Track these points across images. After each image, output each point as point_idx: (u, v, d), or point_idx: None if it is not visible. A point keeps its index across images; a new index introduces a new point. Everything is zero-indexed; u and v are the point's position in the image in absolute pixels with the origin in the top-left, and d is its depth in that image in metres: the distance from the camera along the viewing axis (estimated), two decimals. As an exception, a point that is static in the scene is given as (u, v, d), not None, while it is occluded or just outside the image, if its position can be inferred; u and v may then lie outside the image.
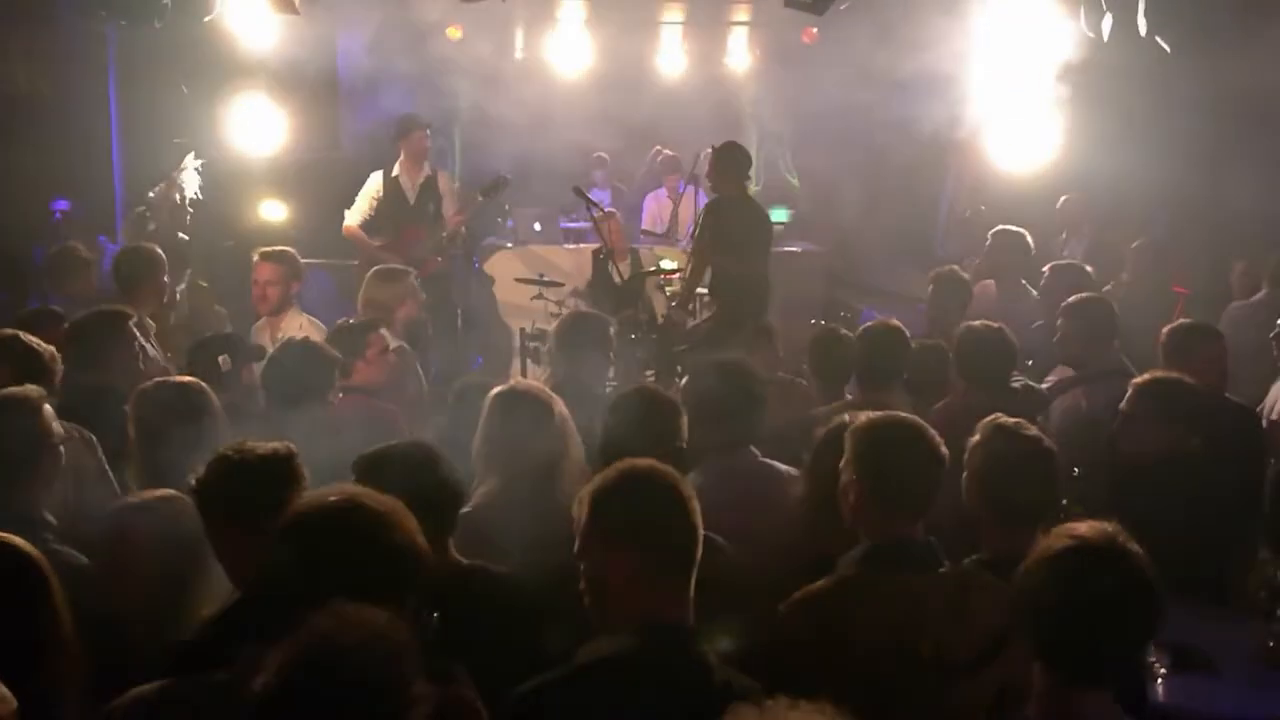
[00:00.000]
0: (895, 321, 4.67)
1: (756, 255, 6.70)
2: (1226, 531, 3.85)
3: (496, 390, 3.46)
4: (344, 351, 4.37)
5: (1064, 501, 3.21)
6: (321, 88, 8.42)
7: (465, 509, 3.02)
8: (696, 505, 2.32)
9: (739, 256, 6.58)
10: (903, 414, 2.89)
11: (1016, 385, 4.63)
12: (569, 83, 9.08)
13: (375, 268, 5.94)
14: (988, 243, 6.48)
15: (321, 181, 8.73)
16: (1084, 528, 2.18)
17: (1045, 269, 6.02)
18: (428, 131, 7.42)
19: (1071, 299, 5.07)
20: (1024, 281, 6.32)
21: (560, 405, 3.44)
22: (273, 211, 8.85)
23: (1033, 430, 3.08)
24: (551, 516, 2.92)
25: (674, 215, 8.74)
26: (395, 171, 7.38)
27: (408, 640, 1.75)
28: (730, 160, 6.74)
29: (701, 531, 2.32)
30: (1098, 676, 2.10)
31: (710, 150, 6.95)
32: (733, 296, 6.63)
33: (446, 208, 7.42)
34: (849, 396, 4.51)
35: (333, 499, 2.15)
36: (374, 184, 7.36)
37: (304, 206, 8.92)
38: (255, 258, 5.82)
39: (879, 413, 2.87)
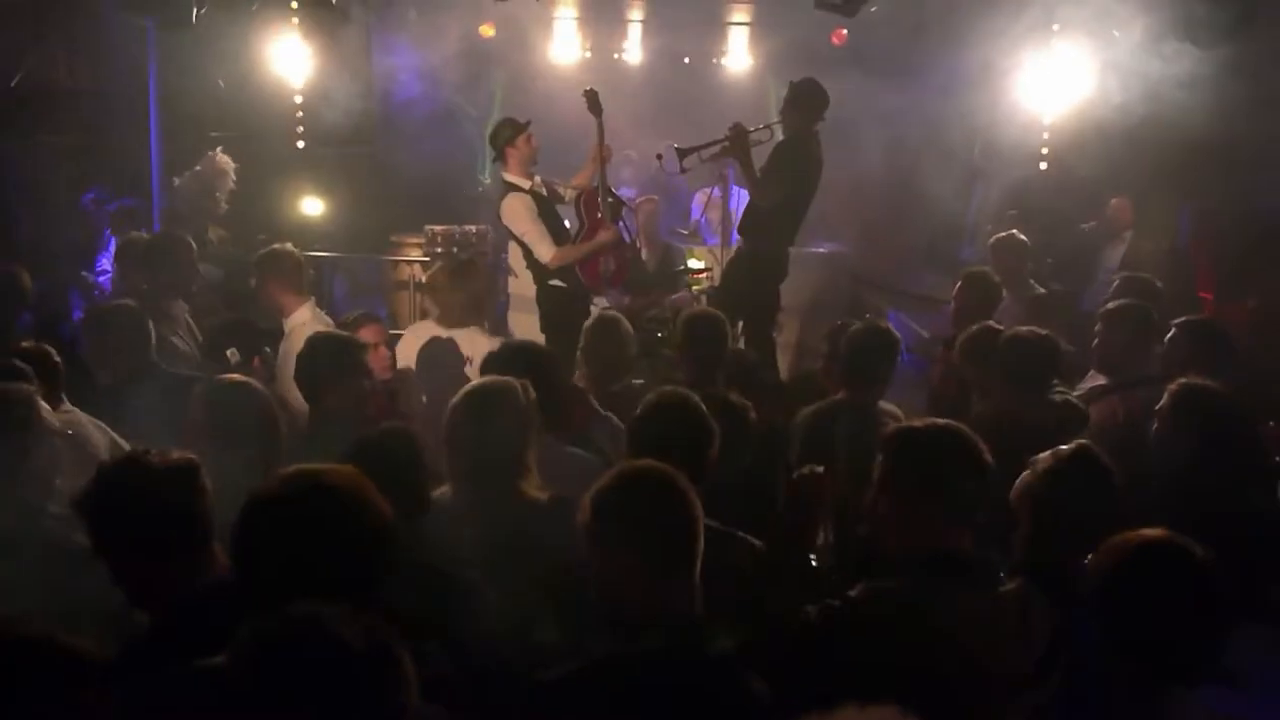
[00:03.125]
0: (885, 324, 4.60)
1: (802, 196, 6.49)
2: (1259, 542, 3.73)
3: (465, 388, 3.32)
4: None
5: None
6: (355, 81, 8.39)
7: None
8: (695, 499, 2.30)
9: (786, 192, 6.37)
10: (947, 421, 2.75)
11: (1056, 398, 4.50)
12: (620, 80, 9.02)
13: (441, 265, 5.65)
14: (989, 250, 6.37)
15: (356, 175, 8.72)
16: (1156, 533, 2.25)
17: (1115, 279, 5.93)
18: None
19: (1111, 305, 4.99)
20: (1032, 282, 6.23)
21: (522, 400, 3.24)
22: (309, 206, 8.87)
23: (1094, 448, 3.01)
24: (507, 520, 2.91)
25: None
26: (524, 185, 6.30)
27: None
28: (808, 95, 6.46)
29: (701, 526, 2.29)
30: (1186, 672, 2.19)
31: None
32: (760, 241, 6.49)
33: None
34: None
35: (284, 482, 2.08)
36: (525, 207, 6.22)
37: (339, 200, 8.93)
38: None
39: (924, 421, 2.78)
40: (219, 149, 7.18)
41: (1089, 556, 2.38)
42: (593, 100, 6.39)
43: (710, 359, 4.44)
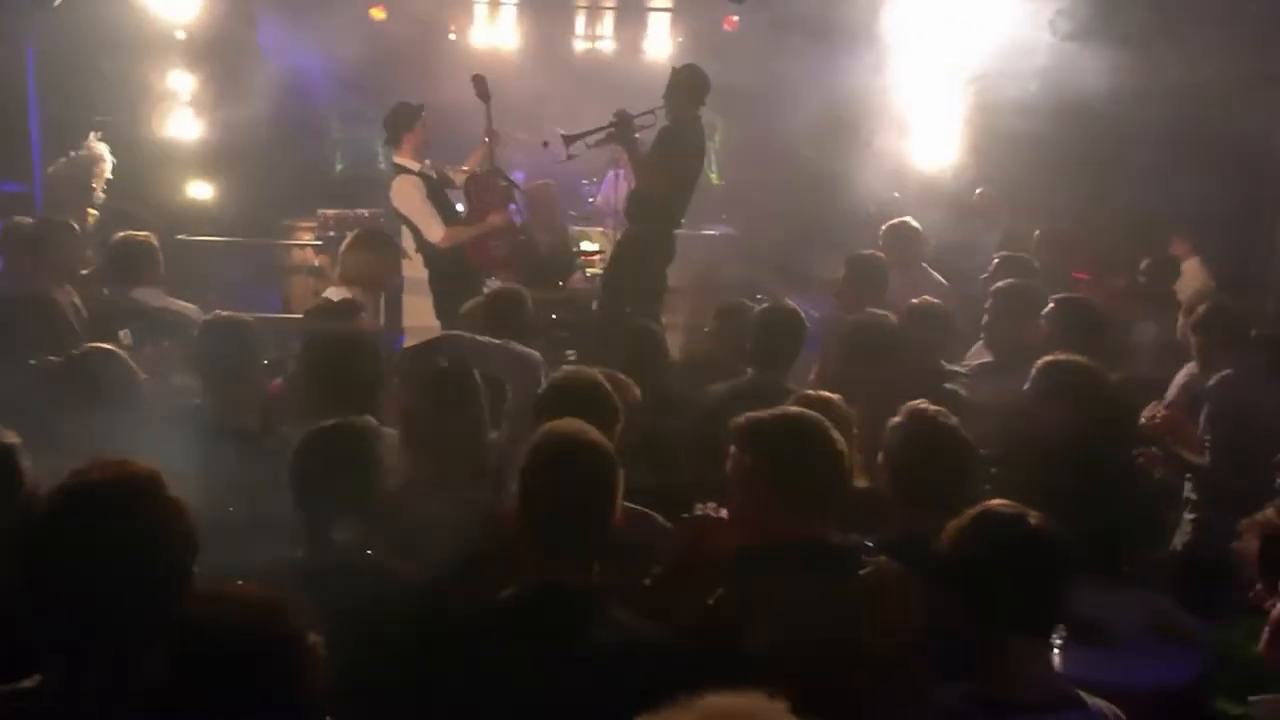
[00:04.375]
0: (792, 304, 4.61)
1: (686, 181, 6.48)
2: (1125, 509, 3.85)
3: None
4: None
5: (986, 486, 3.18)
6: (243, 65, 8.10)
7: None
8: (602, 469, 2.29)
9: (671, 177, 6.37)
10: (796, 409, 2.67)
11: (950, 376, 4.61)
12: (490, 64, 8.87)
13: (358, 232, 5.55)
14: (880, 237, 6.45)
15: (244, 159, 8.44)
16: (1001, 504, 2.39)
17: (995, 258, 6.06)
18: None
19: (1000, 283, 5.12)
20: (925, 265, 6.31)
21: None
22: (197, 191, 8.57)
23: (952, 420, 3.03)
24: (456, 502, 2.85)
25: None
26: (414, 167, 6.19)
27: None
28: (690, 81, 6.43)
29: (604, 496, 2.29)
30: (1028, 625, 2.29)
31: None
32: (647, 225, 6.46)
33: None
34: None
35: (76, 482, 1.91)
36: (414, 188, 6.12)
37: (228, 185, 8.64)
38: None
39: (778, 410, 2.67)
40: (95, 134, 6.87)
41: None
42: (480, 85, 6.32)
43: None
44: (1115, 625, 3.31)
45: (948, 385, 4.31)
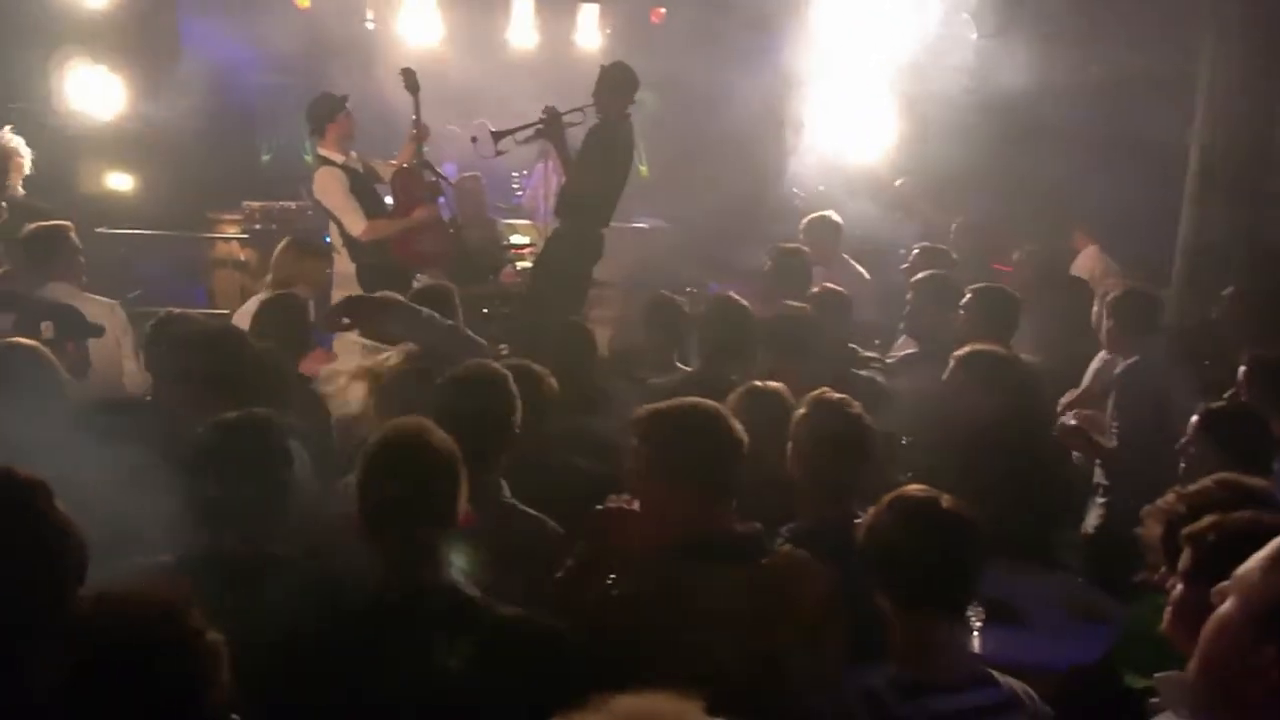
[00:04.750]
0: (738, 298, 4.61)
1: (616, 178, 6.45)
2: (1043, 493, 3.93)
3: None
4: None
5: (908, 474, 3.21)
6: (163, 53, 7.89)
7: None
8: (434, 468, 2.23)
9: (599, 175, 6.34)
10: (695, 400, 2.63)
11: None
12: (419, 54, 8.74)
13: (289, 239, 5.44)
14: (801, 231, 6.50)
15: (165, 150, 8.22)
16: (915, 489, 2.43)
17: (914, 249, 6.13)
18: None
19: (921, 275, 5.18)
20: (846, 256, 6.38)
21: None
22: (117, 182, 8.33)
23: (856, 407, 3.05)
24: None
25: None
26: (338, 159, 6.06)
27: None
28: (619, 79, 6.39)
29: (458, 490, 2.23)
30: (942, 606, 2.32)
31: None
32: (575, 223, 6.44)
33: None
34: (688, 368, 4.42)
35: None
36: (336, 180, 6.01)
37: (150, 177, 8.41)
38: None
39: (675, 401, 2.65)
40: (8, 126, 6.63)
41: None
42: (409, 78, 6.22)
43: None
44: (1031, 606, 3.40)
45: (865, 374, 4.36)
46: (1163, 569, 2.39)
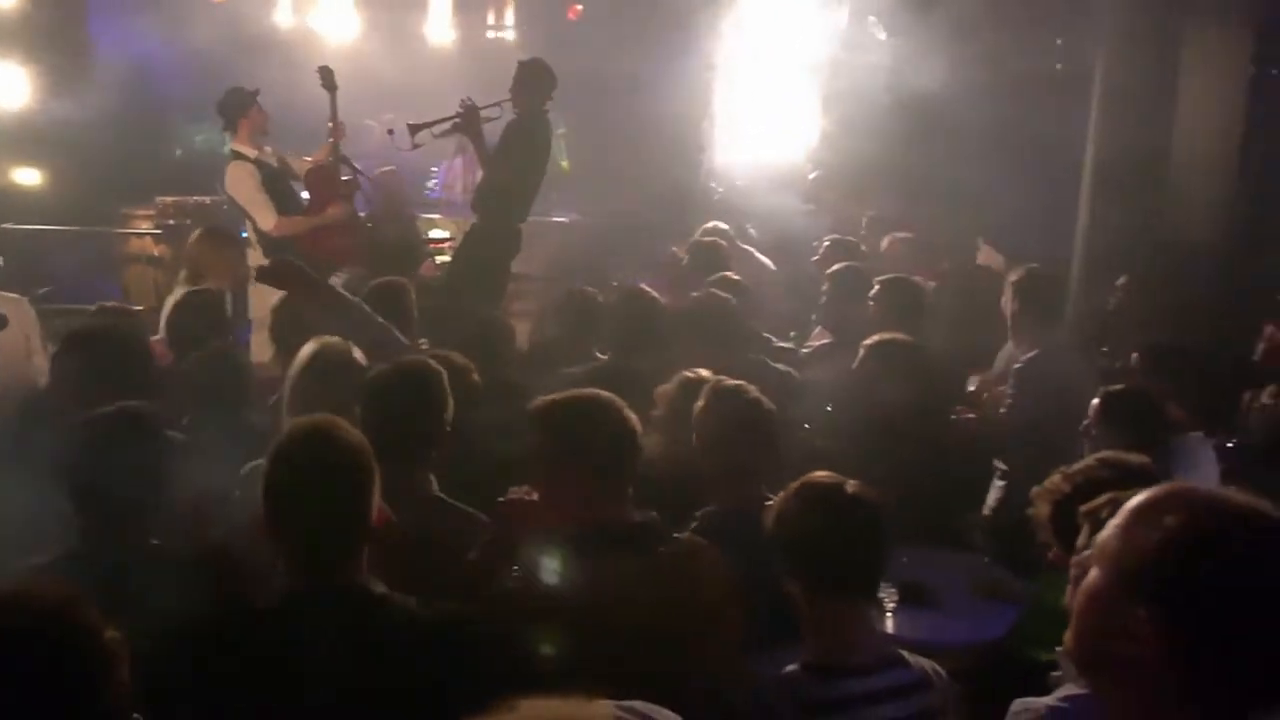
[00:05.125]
0: (647, 289, 4.62)
1: (533, 174, 6.42)
2: (949, 476, 4.01)
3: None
4: None
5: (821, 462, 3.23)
6: (72, 48, 7.62)
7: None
8: (359, 465, 2.16)
9: (516, 170, 6.31)
10: (589, 390, 2.63)
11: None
12: (337, 50, 8.59)
13: (202, 229, 5.33)
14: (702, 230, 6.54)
15: (75, 145, 7.94)
16: (823, 475, 2.42)
17: (824, 242, 6.19)
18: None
19: (835, 267, 5.25)
20: (750, 249, 6.45)
21: None
22: (25, 177, 8.04)
23: (753, 392, 3.08)
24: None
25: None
26: (250, 153, 5.96)
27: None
28: (536, 75, 6.36)
29: (368, 489, 2.15)
30: (853, 590, 2.34)
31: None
32: (493, 218, 6.40)
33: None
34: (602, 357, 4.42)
35: None
36: (248, 175, 5.91)
37: (57, 172, 8.12)
38: None
39: (572, 391, 2.65)
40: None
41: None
42: (326, 77, 6.13)
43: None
44: (940, 587, 3.47)
45: (781, 367, 4.41)
46: (1054, 547, 2.44)
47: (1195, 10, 5.90)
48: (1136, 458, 2.52)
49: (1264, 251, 5.67)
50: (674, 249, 6.40)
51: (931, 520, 3.81)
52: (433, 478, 2.85)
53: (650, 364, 3.90)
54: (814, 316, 5.62)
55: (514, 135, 6.32)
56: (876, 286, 4.78)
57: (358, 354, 3.30)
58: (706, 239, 6.00)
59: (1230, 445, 4.07)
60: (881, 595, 3.18)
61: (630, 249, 7.42)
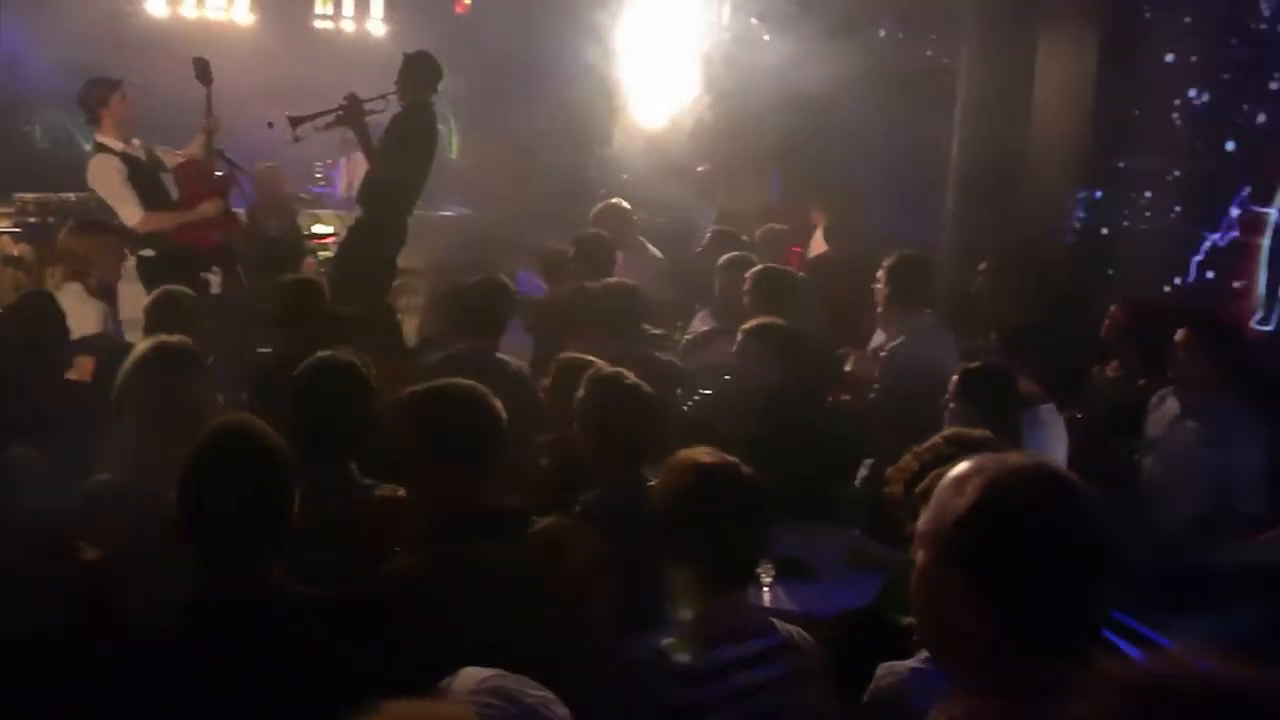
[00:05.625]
0: (499, 276, 4.67)
1: (419, 167, 6.37)
2: (824, 454, 4.15)
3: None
4: None
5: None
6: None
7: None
8: (269, 463, 2.16)
9: (402, 163, 6.24)
10: (456, 381, 2.64)
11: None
12: (222, 40, 8.35)
13: (77, 221, 5.18)
14: (591, 218, 6.61)
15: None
16: (703, 455, 2.44)
17: (708, 232, 6.30)
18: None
19: (725, 257, 5.40)
20: (643, 240, 6.53)
21: None
22: None
23: (631, 377, 3.13)
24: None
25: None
26: (116, 146, 5.75)
27: None
28: (421, 67, 6.30)
29: (286, 489, 2.16)
30: (732, 567, 2.36)
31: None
32: (378, 211, 6.34)
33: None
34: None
35: None
36: (112, 168, 5.70)
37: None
38: None
39: (437, 382, 2.67)
40: None
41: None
42: (202, 69, 5.96)
43: None
44: (817, 560, 3.60)
45: (661, 355, 4.50)
46: (910, 523, 2.56)
47: (1048, 13, 6.21)
48: (980, 432, 2.64)
49: (1112, 237, 6.00)
50: (550, 244, 6.41)
51: (809, 496, 3.94)
52: (354, 467, 2.86)
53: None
54: (697, 305, 5.73)
55: (399, 127, 6.24)
56: (747, 277, 4.91)
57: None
58: (590, 232, 6.04)
59: (1079, 416, 4.32)
60: (759, 570, 3.28)
61: (521, 242, 7.40)
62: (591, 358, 3.55)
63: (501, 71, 8.54)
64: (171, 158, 6.08)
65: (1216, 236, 5.39)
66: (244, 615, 2.06)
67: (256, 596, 2.08)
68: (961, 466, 1.44)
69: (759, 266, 5.01)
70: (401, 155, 6.23)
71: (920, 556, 1.45)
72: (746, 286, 4.85)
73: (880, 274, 4.85)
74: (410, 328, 6.81)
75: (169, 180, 6.03)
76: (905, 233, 7.17)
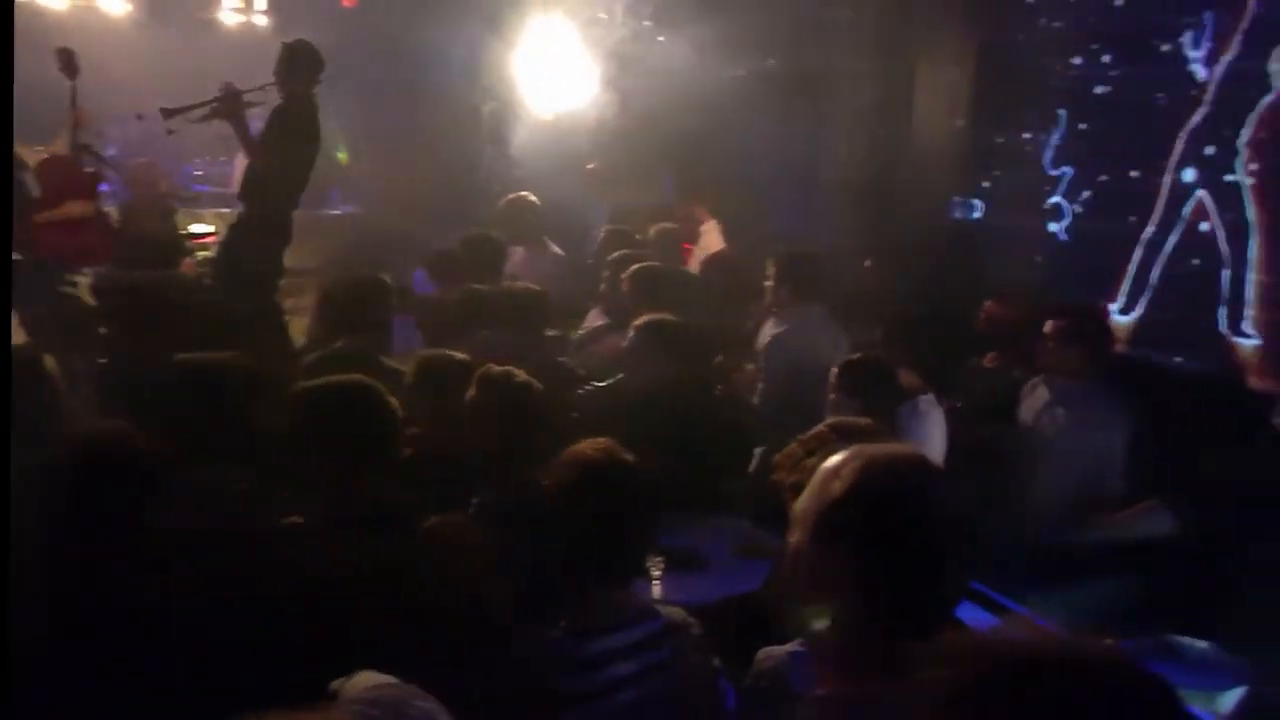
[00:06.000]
0: (382, 276, 4.68)
1: (303, 161, 6.20)
2: (714, 446, 4.25)
3: None
4: None
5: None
6: None
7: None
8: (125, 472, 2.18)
9: (284, 157, 6.07)
10: (348, 376, 2.67)
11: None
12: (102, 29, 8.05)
13: None
14: (497, 212, 6.61)
15: None
16: (588, 447, 2.44)
17: (601, 230, 6.36)
18: None
19: (612, 255, 5.46)
20: (547, 239, 6.56)
21: None
22: None
23: (521, 376, 3.17)
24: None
25: None
26: None
27: None
28: (302, 58, 6.07)
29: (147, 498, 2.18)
30: (620, 560, 2.37)
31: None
32: (260, 207, 6.18)
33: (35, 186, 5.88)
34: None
35: None
36: None
37: None
38: None
39: (326, 379, 2.69)
40: None
41: None
42: (66, 60, 5.72)
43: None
44: (708, 550, 3.68)
45: (557, 358, 4.55)
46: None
47: (928, 21, 6.44)
48: (863, 421, 2.75)
49: (988, 234, 6.25)
50: (436, 244, 6.38)
51: (701, 488, 4.03)
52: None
53: (381, 349, 3.92)
54: (590, 303, 5.78)
55: (280, 120, 6.09)
56: (624, 277, 5.01)
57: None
58: (477, 232, 6.02)
59: (958, 405, 4.52)
60: (649, 563, 3.35)
61: (415, 241, 7.35)
62: (456, 354, 3.57)
63: (392, 66, 8.43)
64: (33, 155, 5.83)
65: (1072, 232, 5.67)
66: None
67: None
68: (837, 457, 1.53)
69: (639, 264, 5.09)
70: (283, 149, 6.06)
71: (795, 538, 1.53)
72: (626, 286, 4.93)
73: (769, 269, 4.98)
74: (300, 329, 6.69)
75: (30, 178, 5.78)
76: (795, 231, 7.37)
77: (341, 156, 9.35)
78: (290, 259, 6.50)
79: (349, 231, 8.15)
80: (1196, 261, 4.94)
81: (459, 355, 3.56)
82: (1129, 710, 0.94)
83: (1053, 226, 5.70)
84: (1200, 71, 4.99)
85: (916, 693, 1.04)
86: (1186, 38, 5.04)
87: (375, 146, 9.00)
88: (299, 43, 6.17)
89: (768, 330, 5.30)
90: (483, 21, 8.25)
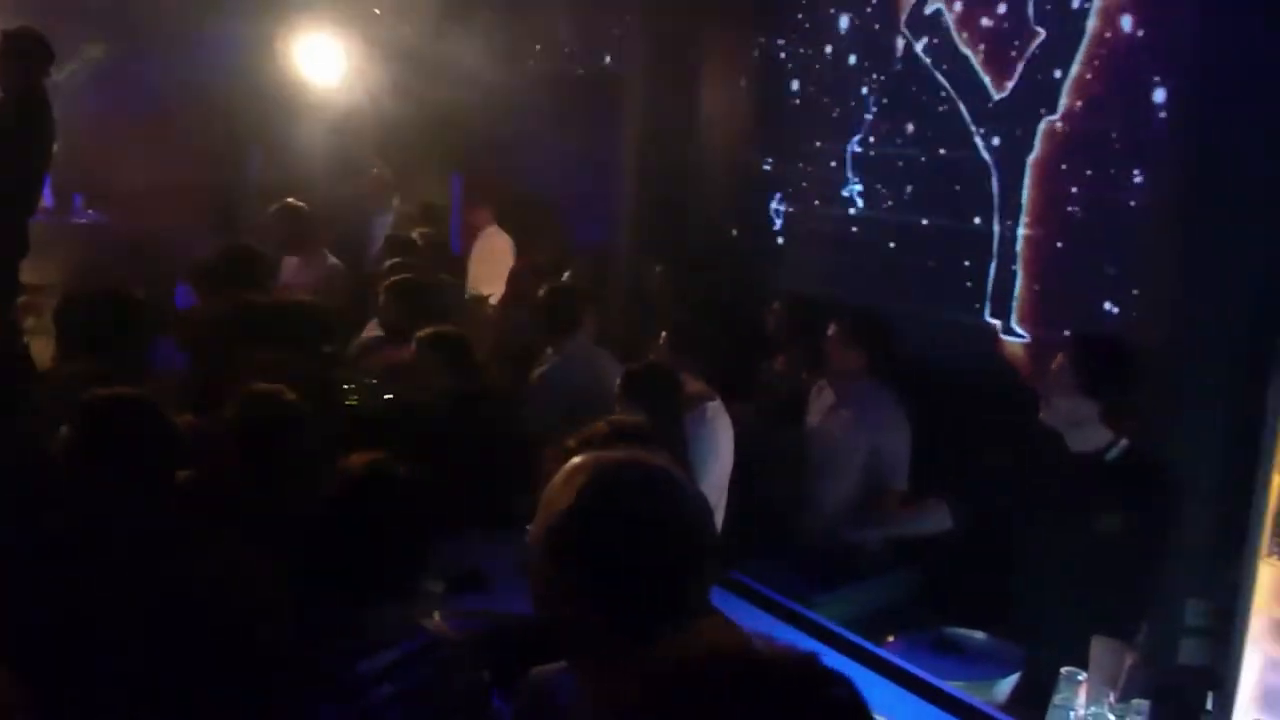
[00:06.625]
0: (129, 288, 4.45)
1: (35, 163, 5.78)
2: (503, 461, 4.16)
3: None
4: None
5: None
6: None
7: None
8: None
9: (12, 158, 5.62)
10: (110, 391, 2.61)
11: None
12: None
13: None
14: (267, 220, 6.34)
15: None
16: (357, 461, 2.38)
17: (382, 239, 6.22)
18: None
19: (386, 264, 5.46)
20: (325, 251, 6.32)
21: None
22: None
23: (286, 393, 3.07)
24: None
25: None
26: None
27: None
28: (28, 48, 5.57)
29: None
30: (388, 583, 2.30)
31: None
32: None
33: None
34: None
35: None
36: None
37: None
38: None
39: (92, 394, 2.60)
40: None
41: None
42: None
43: None
44: (494, 570, 3.58)
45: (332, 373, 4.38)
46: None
47: (709, 30, 6.58)
48: (633, 419, 2.75)
49: (774, 239, 6.43)
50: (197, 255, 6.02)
51: (488, 505, 3.93)
52: None
53: (112, 364, 3.72)
54: (370, 313, 5.59)
55: (5, 120, 5.60)
56: (383, 288, 4.99)
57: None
58: (239, 243, 5.72)
59: (751, 409, 4.60)
60: (428, 583, 3.22)
61: (167, 253, 6.89)
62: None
63: (145, 54, 7.92)
64: None
65: (854, 237, 5.86)
66: None
67: None
68: (571, 463, 1.47)
69: (396, 277, 5.05)
70: (10, 152, 5.59)
71: (533, 552, 1.46)
72: (382, 299, 4.83)
73: (539, 304, 4.95)
74: (44, 353, 6.14)
75: None
76: (586, 236, 7.39)
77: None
78: (28, 274, 6.00)
79: (95, 242, 7.58)
80: (968, 263, 5.18)
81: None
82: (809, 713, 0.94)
83: (842, 226, 5.85)
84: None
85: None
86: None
87: (124, 146, 8.38)
88: (22, 32, 5.65)
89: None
90: (249, 6, 7.90)
